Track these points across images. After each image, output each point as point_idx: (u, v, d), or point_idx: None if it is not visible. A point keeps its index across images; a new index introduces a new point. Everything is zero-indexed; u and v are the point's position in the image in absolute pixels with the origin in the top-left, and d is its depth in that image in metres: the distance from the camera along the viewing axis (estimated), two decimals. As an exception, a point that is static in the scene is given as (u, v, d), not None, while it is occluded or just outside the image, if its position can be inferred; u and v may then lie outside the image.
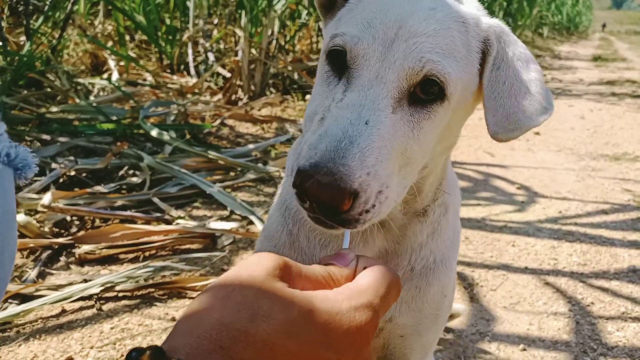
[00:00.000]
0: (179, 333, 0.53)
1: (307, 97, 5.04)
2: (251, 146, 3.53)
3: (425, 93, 0.77)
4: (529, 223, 2.70)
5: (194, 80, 5.10)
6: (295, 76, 5.26)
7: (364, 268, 0.66)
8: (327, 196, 0.67)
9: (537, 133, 4.49)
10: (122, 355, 1.63)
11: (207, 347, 0.51)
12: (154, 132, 3.26)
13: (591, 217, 2.78)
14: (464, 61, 0.79)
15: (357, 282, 0.62)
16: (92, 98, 4.13)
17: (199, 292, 0.60)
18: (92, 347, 1.66)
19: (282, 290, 0.55)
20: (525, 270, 2.26)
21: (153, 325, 1.78)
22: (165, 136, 3.27)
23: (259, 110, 4.65)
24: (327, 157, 0.68)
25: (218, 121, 4.07)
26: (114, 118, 3.48)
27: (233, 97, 4.83)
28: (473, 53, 0.81)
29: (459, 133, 0.90)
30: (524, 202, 2.98)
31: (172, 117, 3.82)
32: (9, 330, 1.71)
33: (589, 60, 10.68)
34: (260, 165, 3.18)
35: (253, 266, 0.57)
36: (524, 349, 1.76)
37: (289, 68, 5.28)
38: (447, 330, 1.85)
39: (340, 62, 0.79)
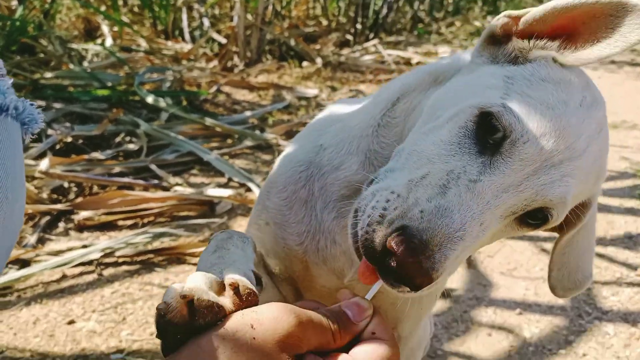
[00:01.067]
0: None
1: (304, 63, 4.99)
2: (248, 113, 3.50)
3: (532, 218, 0.73)
4: (526, 190, 2.71)
5: (189, 46, 5.03)
6: (292, 42, 5.19)
7: (373, 333, 0.66)
8: (416, 276, 0.64)
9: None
10: (123, 319, 1.65)
11: None
12: (150, 99, 3.23)
13: (588, 185, 2.79)
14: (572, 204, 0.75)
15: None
16: (85, 64, 4.07)
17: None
18: (93, 311, 1.67)
19: None
20: (522, 237, 2.27)
21: (153, 290, 1.79)
22: (161, 103, 3.23)
23: (256, 77, 4.60)
24: (437, 241, 0.64)
25: (214, 88, 4.02)
26: (109, 84, 3.43)
27: (229, 63, 4.77)
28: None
29: None
30: (522, 170, 2.98)
31: (168, 84, 3.77)
32: (9, 295, 1.72)
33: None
34: (257, 132, 3.16)
35: (267, 326, 0.59)
36: (520, 313, 1.78)
37: (286, 34, 5.21)
38: (445, 295, 1.88)
39: (489, 133, 0.70)
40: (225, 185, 2.56)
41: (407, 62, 5.36)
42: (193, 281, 0.62)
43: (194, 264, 1.95)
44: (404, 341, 1.06)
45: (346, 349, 0.66)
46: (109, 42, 4.61)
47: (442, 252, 0.64)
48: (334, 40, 5.95)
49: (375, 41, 6.02)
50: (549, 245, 2.20)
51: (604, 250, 2.17)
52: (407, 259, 0.63)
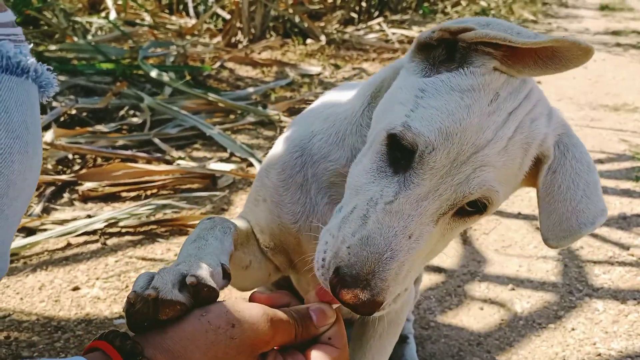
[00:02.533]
0: (165, 347, 0.64)
1: (308, 41, 4.98)
2: (251, 89, 3.52)
3: (472, 206, 0.76)
4: (524, 170, 2.74)
5: (193, 21, 5.02)
6: (296, 19, 5.17)
7: (329, 338, 0.76)
8: (361, 307, 0.70)
9: (539, 82, 4.47)
10: (126, 287, 1.70)
11: None
12: (154, 73, 3.25)
13: (586, 166, 2.81)
14: (513, 179, 0.78)
15: None
16: (89, 37, 4.08)
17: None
18: (97, 279, 1.72)
19: None
20: (518, 216, 2.31)
21: (156, 259, 1.84)
22: (165, 77, 3.25)
23: (259, 53, 4.60)
24: (367, 270, 0.70)
25: (218, 64, 4.03)
26: (113, 58, 3.44)
27: (233, 39, 4.77)
28: (525, 169, 0.79)
29: None
30: (521, 150, 3.00)
31: (172, 59, 3.79)
32: (16, 262, 1.77)
33: (595, 9, 10.45)
34: (260, 108, 3.18)
35: (245, 328, 0.67)
36: (513, 289, 1.83)
37: (290, 11, 5.18)
38: (439, 270, 1.92)
39: (400, 153, 0.75)
40: (227, 160, 2.60)
41: (411, 41, 5.34)
42: (161, 279, 0.68)
43: (196, 236, 2.00)
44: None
45: (301, 346, 0.75)
46: (113, 15, 4.61)
47: (377, 277, 0.70)
48: (339, 18, 5.92)
49: (380, 19, 5.99)
50: (544, 224, 2.24)
51: (597, 230, 2.20)
52: (345, 296, 0.70)
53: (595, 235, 2.16)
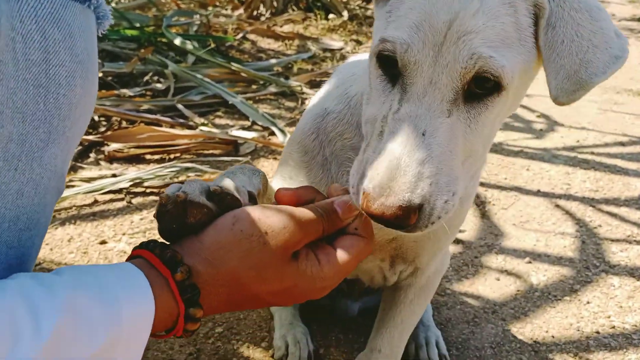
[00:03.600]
0: (203, 257, 0.67)
1: (330, 15, 4.95)
2: (273, 61, 3.53)
3: (481, 88, 0.74)
4: (545, 150, 2.73)
5: (216, -8, 5.00)
6: (319, -7, 5.14)
7: (355, 229, 0.77)
8: (393, 216, 0.70)
9: (562, 65, 4.42)
10: (151, 243, 1.75)
11: (219, 289, 0.68)
12: (177, 41, 3.27)
13: (608, 148, 2.80)
14: (516, 44, 0.75)
15: (336, 260, 0.75)
16: (113, 4, 4.10)
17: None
18: (123, 234, 1.77)
19: (289, 268, 0.71)
20: (537, 193, 2.32)
21: (179, 219, 1.89)
22: (188, 45, 3.27)
23: (281, 26, 4.59)
24: (389, 177, 0.70)
25: (240, 35, 4.04)
26: (137, 25, 3.47)
27: (255, 12, 4.76)
28: (525, 28, 0.76)
29: (520, 101, 0.87)
30: (543, 130, 2.99)
31: (194, 28, 3.80)
32: (45, 215, 1.83)
33: (623, -4, 10.23)
34: (282, 79, 3.19)
35: (277, 233, 0.69)
36: (529, 262, 1.85)
37: (313, -15, 5.15)
38: (457, 241, 1.94)
39: (392, 67, 0.77)
40: (249, 129, 2.62)
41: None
42: (189, 186, 0.70)
43: (218, 199, 2.04)
44: (420, 271, 1.14)
45: (329, 238, 0.77)
46: (137, -17, 4.61)
47: (400, 181, 0.70)
48: (362, -7, 5.86)
49: (403, -3, 5.92)
50: (563, 202, 2.24)
51: (617, 209, 2.21)
52: (374, 210, 0.71)
53: (614, 215, 2.16)
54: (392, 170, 0.71)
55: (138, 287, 0.61)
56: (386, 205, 0.70)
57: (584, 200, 2.28)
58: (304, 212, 0.73)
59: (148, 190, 2.04)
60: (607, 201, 2.28)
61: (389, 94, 0.78)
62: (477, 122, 0.76)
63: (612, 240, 2.00)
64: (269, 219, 0.70)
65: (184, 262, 0.65)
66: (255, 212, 0.71)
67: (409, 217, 0.70)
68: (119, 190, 2.00)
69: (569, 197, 2.30)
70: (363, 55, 1.09)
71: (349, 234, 0.77)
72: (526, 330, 1.55)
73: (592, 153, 2.72)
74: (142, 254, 0.66)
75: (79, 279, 0.59)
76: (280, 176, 1.09)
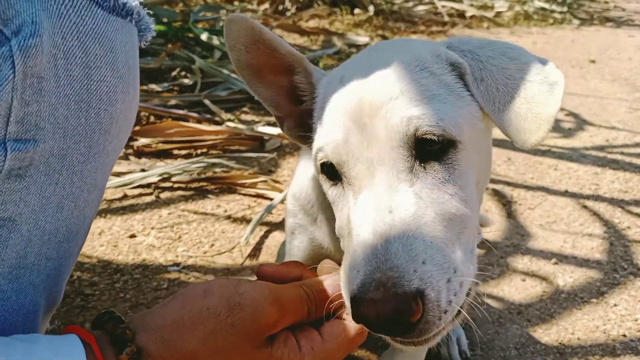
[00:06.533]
0: (159, 336, 0.61)
1: (356, 10, 4.93)
2: (299, 56, 3.53)
3: (434, 145, 0.69)
4: (573, 149, 2.69)
5: (242, -13, 5.03)
6: (345, -12, 5.12)
7: (347, 314, 0.67)
8: (389, 311, 0.57)
9: (593, 61, 4.34)
10: (179, 237, 1.78)
11: None
12: (204, 36, 3.30)
13: (639, 148, 2.75)
14: (449, 99, 0.72)
15: (323, 343, 0.67)
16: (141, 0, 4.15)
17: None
18: (152, 228, 1.81)
19: (260, 355, 0.63)
20: (565, 193, 2.29)
21: (207, 213, 1.91)
22: (215, 40, 3.30)
23: (307, 21, 4.60)
24: (371, 269, 0.60)
25: (266, 30, 4.05)
26: (165, 20, 3.51)
27: (280, 7, 4.77)
28: (452, 84, 0.74)
29: (490, 159, 0.83)
30: (571, 129, 2.95)
31: (221, 23, 3.82)
32: (77, 208, 1.87)
33: (657, -11, 9.96)
34: (307, 75, 3.20)
35: (248, 313, 0.62)
36: (556, 263, 1.83)
37: (339, -21, 5.14)
38: (482, 242, 1.93)
39: (334, 170, 0.75)
40: (274, 125, 2.64)
41: (461, 15, 5.24)
42: None
43: (244, 194, 2.06)
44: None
45: (316, 322, 0.69)
46: (164, -22, 4.65)
47: (387, 268, 0.60)
48: (387, -12, 5.83)
49: (430, -9, 5.87)
50: (591, 203, 2.21)
51: (646, 211, 2.17)
52: (363, 311, 0.60)
53: (639, 215, 2.13)
54: (370, 261, 0.61)
55: None
56: (376, 300, 0.58)
57: (612, 201, 2.24)
58: (286, 290, 0.66)
59: (176, 185, 2.07)
60: (636, 202, 2.24)
61: (343, 197, 0.75)
62: (452, 183, 0.70)
63: (641, 243, 1.97)
64: (240, 296, 0.62)
65: (135, 340, 0.59)
66: (229, 287, 0.63)
67: (410, 308, 0.57)
68: (148, 185, 2.04)
69: (597, 197, 2.27)
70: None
71: (340, 318, 0.68)
72: (551, 332, 1.54)
73: (622, 153, 2.67)
74: (78, 332, 0.59)
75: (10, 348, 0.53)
76: (289, 234, 1.09)
